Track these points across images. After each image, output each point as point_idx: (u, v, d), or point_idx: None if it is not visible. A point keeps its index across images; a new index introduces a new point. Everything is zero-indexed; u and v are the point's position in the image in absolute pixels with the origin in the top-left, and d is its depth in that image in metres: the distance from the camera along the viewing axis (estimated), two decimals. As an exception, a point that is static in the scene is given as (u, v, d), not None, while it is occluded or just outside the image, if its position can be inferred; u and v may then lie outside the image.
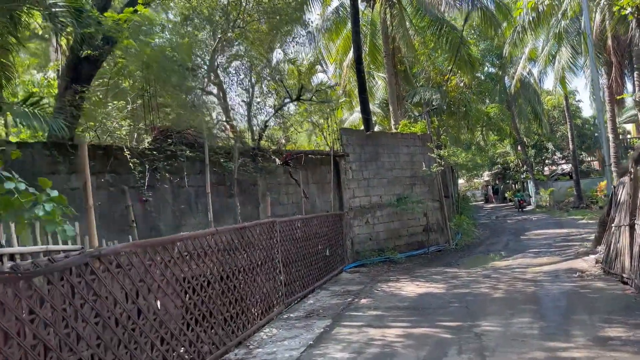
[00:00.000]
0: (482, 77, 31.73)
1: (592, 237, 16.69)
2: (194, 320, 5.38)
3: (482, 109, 30.00)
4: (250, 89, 11.86)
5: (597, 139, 42.89)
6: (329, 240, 11.89)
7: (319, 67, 24.03)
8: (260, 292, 7.24)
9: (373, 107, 27.03)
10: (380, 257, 14.23)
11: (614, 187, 12.24)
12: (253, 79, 11.39)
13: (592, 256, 12.49)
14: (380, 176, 15.38)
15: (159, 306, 4.81)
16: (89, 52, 8.14)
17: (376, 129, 23.70)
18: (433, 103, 19.28)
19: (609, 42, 20.48)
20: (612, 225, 10.89)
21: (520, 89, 35.13)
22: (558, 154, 46.14)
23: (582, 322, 6.75)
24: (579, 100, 46.30)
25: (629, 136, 43.11)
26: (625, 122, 42.15)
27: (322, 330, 6.85)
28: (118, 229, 7.91)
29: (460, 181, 76.50)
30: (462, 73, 22.58)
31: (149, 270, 4.72)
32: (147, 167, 8.03)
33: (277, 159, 10.24)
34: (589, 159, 47.61)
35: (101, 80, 9.20)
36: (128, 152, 7.85)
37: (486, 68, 33.86)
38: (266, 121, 10.67)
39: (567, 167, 44.22)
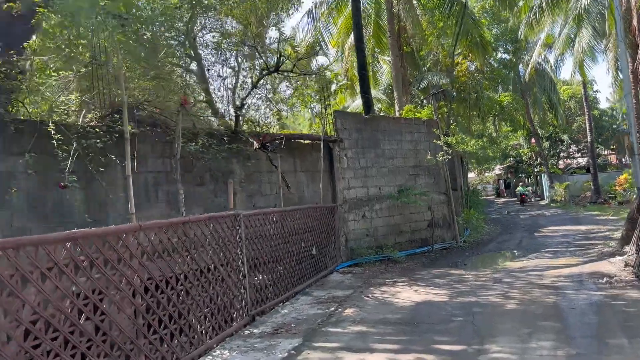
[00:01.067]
0: (495, 64, 29.95)
1: (617, 235, 15.07)
2: (96, 350, 3.93)
3: (494, 97, 28.30)
4: (235, 65, 10.39)
5: (615, 131, 40.89)
6: (317, 236, 10.41)
7: (319, 50, 22.44)
8: (213, 303, 5.79)
9: (377, 93, 25.41)
10: (377, 256, 12.73)
11: (647, 179, 10.61)
12: (232, 53, 9.88)
13: (620, 258, 10.88)
14: (379, 165, 13.84)
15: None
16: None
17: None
18: (441, 87, 17.65)
19: (634, 21, 18.58)
20: (648, 223, 9.31)
21: (535, 77, 33.30)
22: (573, 147, 44.16)
23: (621, 347, 5.23)
24: (596, 91, 44.26)
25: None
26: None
27: (285, 355, 5.38)
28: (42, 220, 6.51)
29: (471, 175, 74.72)
30: (474, 57, 20.86)
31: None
32: (75, 145, 6.58)
33: (255, 142, 8.76)
34: (606, 153, 45.51)
35: (43, 44, 7.75)
36: (53, 127, 6.40)
37: (499, 54, 32.02)
38: (243, 98, 9.21)
39: (582, 161, 42.22)
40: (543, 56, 33.47)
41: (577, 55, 20.43)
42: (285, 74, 9.84)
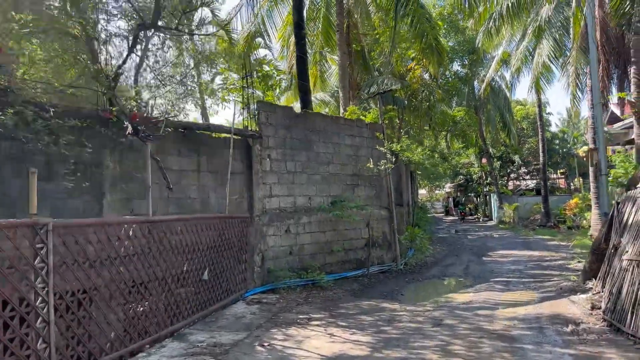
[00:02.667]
0: (451, 77, 28.68)
1: (574, 265, 13.54)
2: None
3: (447, 111, 27.00)
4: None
5: (565, 155, 40.70)
6: (218, 255, 8.09)
7: (260, 42, 20.23)
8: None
9: (324, 95, 23.42)
10: (300, 280, 10.50)
11: (617, 204, 8.93)
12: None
13: (583, 296, 9.13)
14: (311, 171, 11.69)
15: None
16: None
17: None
18: (390, 88, 15.78)
19: (597, 35, 17.50)
20: (623, 257, 7.54)
21: (490, 94, 32.38)
22: (523, 169, 43.81)
23: None
24: (549, 113, 44.06)
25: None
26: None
27: None
28: None
29: (422, 191, 74.35)
30: (427, 62, 19.17)
31: None
32: None
33: (129, 126, 6.40)
34: (554, 176, 45.41)
35: None
36: None
37: (455, 66, 30.85)
38: (119, 66, 6.81)
39: (531, 183, 41.82)
40: (499, 73, 32.61)
41: (536, 68, 19.14)
42: (166, 30, 7.47)
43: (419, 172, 30.31)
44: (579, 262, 13.54)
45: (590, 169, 19.32)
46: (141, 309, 5.78)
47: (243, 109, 10.26)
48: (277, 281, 10.14)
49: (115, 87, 6.92)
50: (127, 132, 6.57)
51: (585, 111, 19.24)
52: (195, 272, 7.43)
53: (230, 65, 14.81)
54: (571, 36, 18.07)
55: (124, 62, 6.97)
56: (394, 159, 12.83)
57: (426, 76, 21.22)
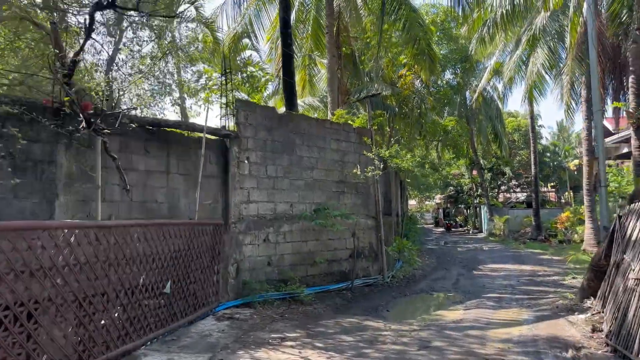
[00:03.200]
0: (442, 86, 28.21)
1: (566, 280, 12.90)
2: None
3: (439, 120, 26.47)
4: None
5: (556, 168, 40.38)
6: (184, 265, 7.32)
7: (248, 43, 19.58)
8: None
9: (313, 100, 22.76)
10: (278, 293, 9.74)
11: (619, 218, 8.30)
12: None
13: (581, 316, 8.47)
14: (294, 176, 10.98)
15: None
16: None
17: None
18: (378, 92, 15.15)
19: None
20: (629, 276, 6.89)
21: (482, 105, 32.02)
22: (514, 181, 43.45)
23: None
24: (540, 126, 43.71)
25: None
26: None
27: None
28: None
29: (412, 202, 73.89)
30: (419, 68, 18.61)
31: None
32: None
33: (83, 117, 5.65)
34: (544, 189, 45.10)
35: None
36: None
37: (447, 75, 30.42)
38: (77, 53, 6.08)
39: (522, 196, 41.44)
40: (491, 83, 32.27)
41: (530, 77, 18.67)
42: (120, 10, 6.71)
43: (409, 181, 29.70)
44: (573, 278, 12.93)
45: (584, 181, 18.84)
46: (84, 327, 5.00)
47: (222, 107, 9.54)
48: (253, 294, 9.37)
49: (71, 76, 6.17)
50: (81, 126, 5.82)
51: (579, 123, 18.82)
52: (157, 284, 6.65)
53: (213, 65, 14.10)
54: (567, 45, 17.64)
55: (82, 48, 6.23)
56: (382, 166, 12.15)
57: (418, 83, 20.66)
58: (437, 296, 11.51)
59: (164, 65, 9.36)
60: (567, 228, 26.82)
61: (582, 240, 24.47)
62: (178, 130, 8.49)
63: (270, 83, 19.58)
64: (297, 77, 21.69)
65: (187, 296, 7.51)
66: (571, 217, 27.46)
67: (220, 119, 9.66)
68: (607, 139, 28.18)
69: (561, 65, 20.69)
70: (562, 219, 27.58)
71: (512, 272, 15.11)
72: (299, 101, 24.39)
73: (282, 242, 10.51)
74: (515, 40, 23.81)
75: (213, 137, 9.34)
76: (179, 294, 7.27)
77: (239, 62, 16.51)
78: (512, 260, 18.74)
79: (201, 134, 8.74)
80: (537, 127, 40.05)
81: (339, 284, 11.41)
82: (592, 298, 9.19)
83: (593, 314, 8.34)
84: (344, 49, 18.22)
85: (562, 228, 27.07)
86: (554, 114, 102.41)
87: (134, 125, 7.05)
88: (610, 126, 27.32)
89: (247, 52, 23.79)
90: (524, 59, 21.52)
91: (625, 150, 23.10)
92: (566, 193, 40.25)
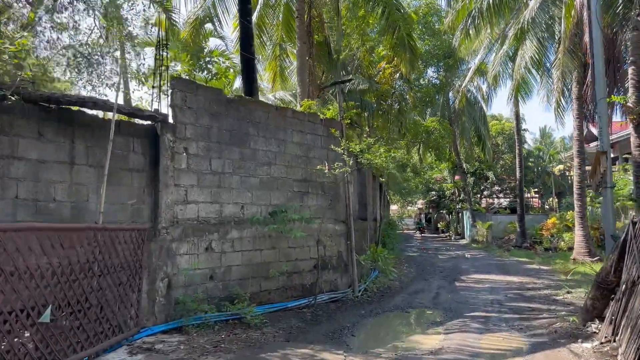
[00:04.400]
0: (425, 85, 26.79)
1: (560, 295, 11.36)
2: None
3: (420, 121, 25.07)
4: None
5: (541, 173, 39.24)
6: (86, 283, 5.55)
7: (211, 29, 17.83)
8: None
9: (285, 94, 21.07)
10: (220, 314, 7.99)
11: (634, 225, 6.76)
12: None
13: (587, 345, 6.91)
14: (246, 173, 9.26)
15: None
16: None
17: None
18: (350, 78, 13.51)
19: (586, 37, 15.73)
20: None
21: (466, 106, 30.73)
22: (497, 187, 42.27)
23: None
24: (524, 129, 42.56)
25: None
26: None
27: None
28: None
29: (394, 207, 72.63)
30: (399, 60, 17.07)
31: None
32: None
33: None
34: (528, 195, 44.01)
35: None
36: None
37: (430, 72, 29.06)
38: None
39: (504, 202, 40.21)
40: (475, 83, 31.02)
41: (517, 72, 17.27)
42: None
43: (385, 181, 28.14)
44: (568, 292, 11.42)
45: (575, 185, 17.49)
46: None
47: (153, 87, 7.79)
48: (187, 316, 7.62)
49: None
50: None
51: (569, 124, 17.44)
52: (38, 309, 4.89)
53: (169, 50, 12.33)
54: (558, 37, 16.27)
55: None
56: (352, 162, 10.50)
57: (397, 77, 19.12)
58: (414, 314, 9.87)
59: (98, 39, 7.64)
60: (554, 235, 25.54)
61: (569, 248, 23.20)
62: (92, 111, 6.71)
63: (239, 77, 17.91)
64: (267, 68, 20.02)
65: (91, 322, 5.74)
66: (557, 223, 26.21)
67: (152, 102, 7.90)
68: (592, 144, 27.12)
69: (548, 64, 19.42)
70: (548, 226, 26.30)
71: (498, 284, 13.58)
72: (270, 95, 22.71)
73: (230, 251, 8.77)
74: (501, 38, 22.53)
75: (141, 123, 7.58)
76: (77, 321, 5.51)
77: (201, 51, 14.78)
78: (497, 269, 17.24)
79: (124, 117, 6.98)
80: (522, 130, 39.00)
81: (299, 301, 9.71)
82: (598, 321, 7.66)
83: (602, 343, 6.78)
84: (316, 36, 16.57)
85: (547, 235, 25.77)
86: (538, 119, 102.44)
87: (13, 98, 5.26)
88: (595, 130, 26.21)
89: (212, 41, 22.08)
90: (511, 54, 20.20)
91: (612, 155, 21.91)
92: (550, 199, 39.15)
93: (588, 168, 24.37)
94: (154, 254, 7.37)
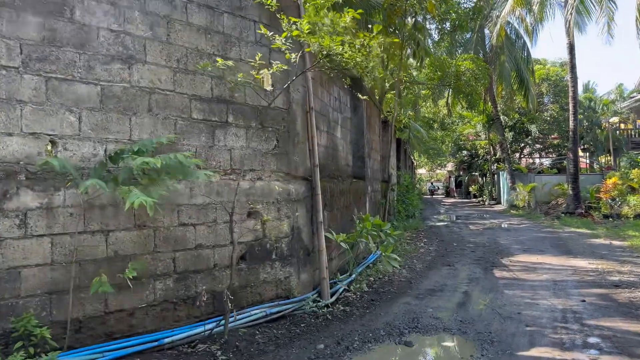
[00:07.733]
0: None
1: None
2: None
3: (448, 60, 19.84)
4: None
5: (592, 127, 33.12)
6: None
7: None
8: None
9: None
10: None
11: None
12: None
13: None
14: (64, 71, 4.49)
15: None
16: None
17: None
18: None
19: None
20: None
21: (505, 43, 25.00)
22: (538, 145, 36.43)
23: None
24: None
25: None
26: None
27: None
28: None
29: (422, 171, 67.24)
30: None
31: None
32: None
33: None
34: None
35: None
36: None
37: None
38: None
39: (546, 161, 34.36)
40: (517, 14, 25.05)
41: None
42: None
43: (406, 137, 23.03)
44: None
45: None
46: None
47: None
48: None
49: None
50: None
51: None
52: None
53: None
54: None
55: None
56: (292, 56, 5.60)
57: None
58: (423, 349, 5.13)
59: None
60: (615, 199, 20.18)
61: (637, 216, 18.12)
62: None
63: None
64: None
65: None
66: (619, 184, 20.77)
67: None
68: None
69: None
70: (608, 187, 20.91)
71: (563, 274, 8.66)
72: None
73: (18, 237, 4.13)
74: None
75: None
76: None
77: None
78: (553, 247, 12.25)
79: None
80: (575, 67, 32.59)
81: (197, 325, 5.05)
82: None
83: None
84: None
85: (607, 198, 20.41)
86: (581, 74, 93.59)
87: None
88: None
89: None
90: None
91: None
92: (602, 157, 33.14)
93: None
94: None
